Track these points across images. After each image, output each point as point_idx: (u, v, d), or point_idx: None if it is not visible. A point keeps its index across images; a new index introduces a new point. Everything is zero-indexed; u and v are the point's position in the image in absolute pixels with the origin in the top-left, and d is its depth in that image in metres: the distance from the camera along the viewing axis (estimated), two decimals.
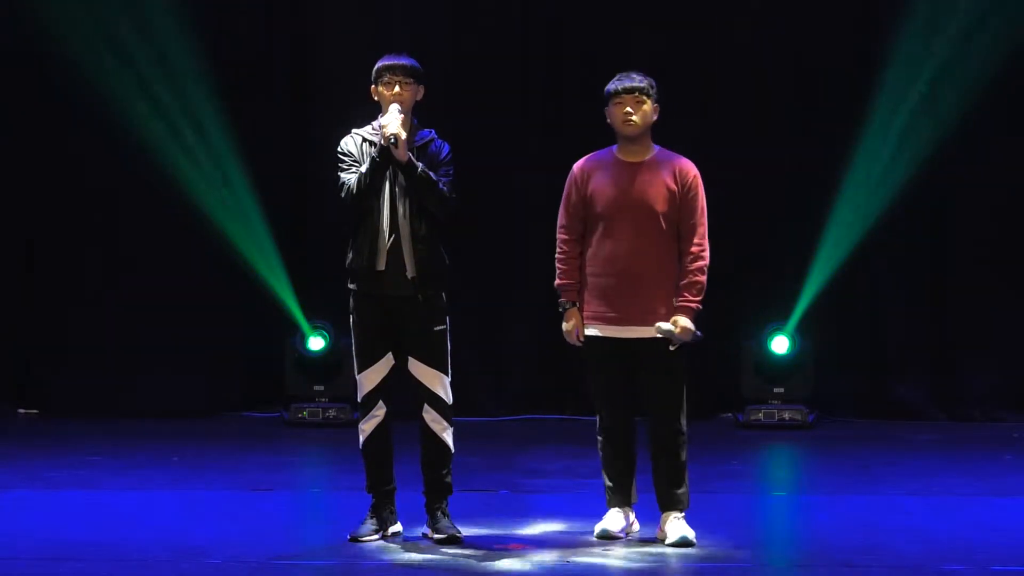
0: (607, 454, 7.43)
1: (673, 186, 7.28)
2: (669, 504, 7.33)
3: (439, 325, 7.31)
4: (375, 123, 7.36)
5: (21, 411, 11.90)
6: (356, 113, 7.62)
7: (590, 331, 7.34)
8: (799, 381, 11.35)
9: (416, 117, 7.39)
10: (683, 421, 7.31)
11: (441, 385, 7.32)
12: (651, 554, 7.12)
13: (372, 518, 7.39)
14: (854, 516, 8.09)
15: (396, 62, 7.31)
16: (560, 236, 7.41)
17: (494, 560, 7.03)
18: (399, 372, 7.36)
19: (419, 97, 7.37)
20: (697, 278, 7.25)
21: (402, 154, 7.17)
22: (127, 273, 11.82)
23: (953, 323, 11.68)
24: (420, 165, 7.21)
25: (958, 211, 11.64)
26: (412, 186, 7.20)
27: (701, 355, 10.61)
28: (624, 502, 7.44)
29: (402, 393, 7.37)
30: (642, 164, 7.33)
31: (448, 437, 7.35)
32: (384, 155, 7.19)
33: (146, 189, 11.58)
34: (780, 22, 11.65)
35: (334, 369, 11.39)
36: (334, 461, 10.13)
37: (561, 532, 7.58)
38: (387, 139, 7.15)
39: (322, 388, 11.45)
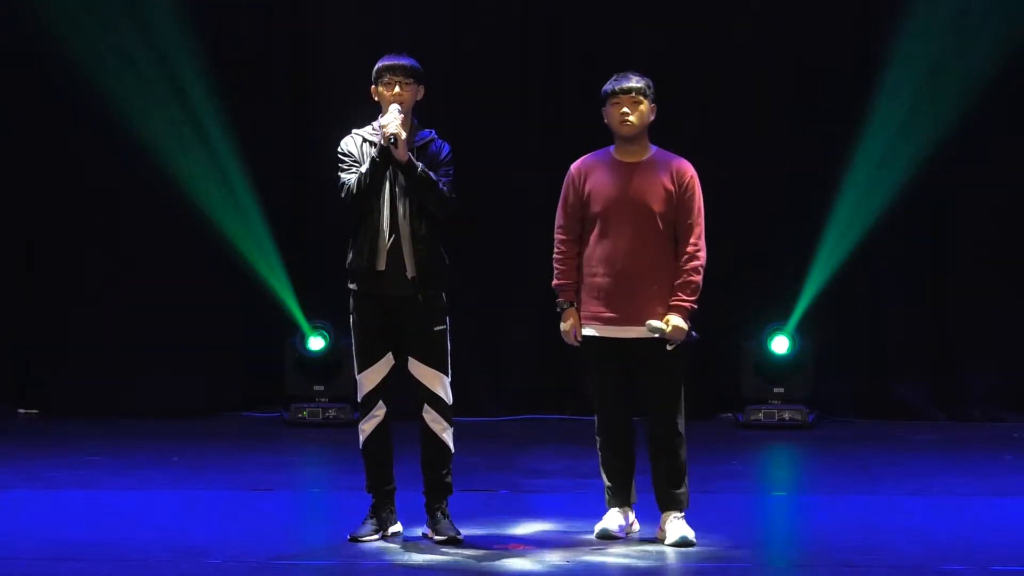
0: (606, 454, 7.43)
1: (670, 186, 7.28)
2: (669, 504, 7.33)
3: (439, 325, 7.31)
4: (375, 123, 7.36)
5: (21, 411, 11.91)
6: (356, 113, 7.62)
7: (587, 331, 7.34)
8: (799, 381, 11.36)
9: (416, 117, 7.39)
10: (681, 421, 7.31)
11: (441, 385, 7.32)
12: (651, 554, 7.13)
13: (372, 518, 7.39)
14: (854, 516, 8.09)
15: (396, 62, 7.31)
16: (558, 236, 7.41)
17: (494, 560, 7.03)
18: (399, 372, 7.36)
19: (419, 97, 7.37)
20: (692, 278, 7.25)
21: (402, 154, 7.17)
22: (127, 273, 11.82)
23: (953, 323, 11.68)
24: (420, 165, 7.21)
25: (958, 211, 11.64)
26: (412, 186, 7.21)
27: (701, 355, 10.67)
28: (624, 502, 7.44)
29: (402, 393, 7.36)
30: (639, 164, 7.33)
31: (448, 437, 7.35)
32: (384, 155, 7.19)
33: (146, 189, 11.59)
34: (780, 22, 11.66)
35: (334, 369, 11.39)
36: (334, 461, 10.13)
37: (561, 532, 7.58)
38: (387, 139, 7.15)
39: (322, 388, 11.45)
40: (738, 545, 7.33)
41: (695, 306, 7.26)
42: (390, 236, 7.22)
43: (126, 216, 11.81)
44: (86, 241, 11.83)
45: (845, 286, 11.46)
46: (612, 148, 7.40)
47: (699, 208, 7.31)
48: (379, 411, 7.35)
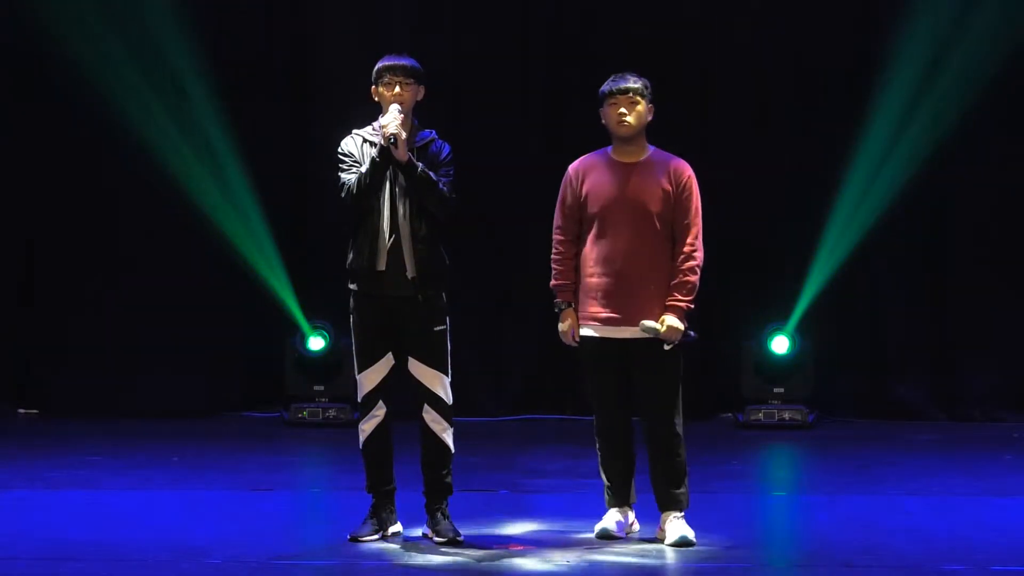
0: (605, 454, 7.44)
1: (668, 186, 7.28)
2: (668, 504, 7.33)
3: (439, 325, 7.31)
4: (375, 124, 7.35)
5: (21, 411, 11.91)
6: (356, 113, 7.62)
7: (585, 331, 7.34)
8: (799, 381, 11.36)
9: (416, 117, 7.39)
10: (679, 421, 7.31)
11: (441, 385, 7.32)
12: (651, 554, 7.12)
13: (372, 518, 7.39)
14: (854, 516, 8.09)
15: (396, 62, 7.31)
16: (556, 237, 7.41)
17: (494, 560, 7.03)
18: (399, 372, 7.36)
19: (419, 97, 7.37)
20: (688, 278, 7.25)
21: (402, 154, 7.17)
22: (127, 273, 11.83)
23: (953, 323, 11.68)
24: (420, 165, 7.21)
25: (958, 211, 11.65)
26: (412, 186, 7.20)
27: (701, 355, 10.68)
28: (623, 502, 7.44)
29: (402, 393, 7.36)
30: (637, 164, 7.33)
31: (448, 437, 7.35)
32: (384, 155, 7.19)
33: (146, 189, 11.59)
34: (780, 22, 11.66)
35: (334, 369, 11.39)
36: (334, 461, 10.13)
37: (561, 532, 7.57)
38: (387, 139, 7.15)
39: (322, 388, 11.45)
40: (738, 545, 7.33)
41: (692, 306, 7.25)
42: (390, 236, 7.22)
43: (126, 216, 11.82)
44: (86, 241, 11.84)
45: (845, 286, 11.46)
46: (610, 148, 7.40)
47: (696, 208, 7.31)
48: (379, 411, 7.35)
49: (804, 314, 11.34)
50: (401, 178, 7.23)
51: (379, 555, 7.11)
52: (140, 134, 11.45)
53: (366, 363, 7.32)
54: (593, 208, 7.29)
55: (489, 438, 10.75)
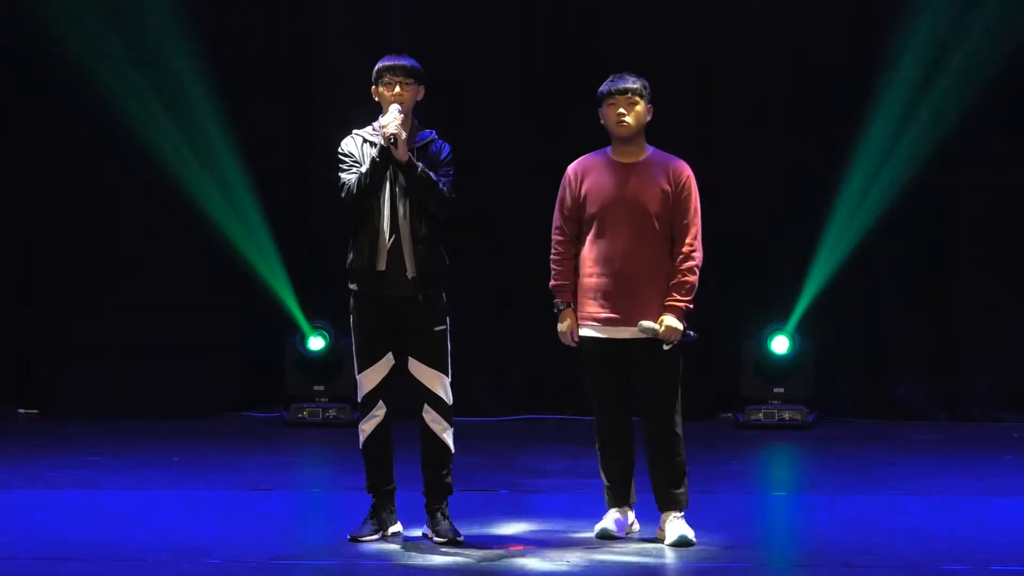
0: (605, 454, 7.43)
1: (667, 187, 7.27)
2: (668, 504, 7.33)
3: (439, 325, 7.31)
4: (375, 124, 7.35)
5: (21, 411, 11.91)
6: (356, 113, 7.62)
7: (584, 332, 7.34)
8: (799, 381, 11.36)
9: (416, 117, 7.39)
10: (678, 421, 7.31)
11: (441, 385, 7.32)
12: (651, 554, 7.12)
13: (372, 518, 7.39)
14: (854, 516, 8.09)
15: (396, 63, 7.31)
16: (555, 237, 7.41)
17: (494, 560, 7.03)
18: (399, 372, 7.36)
19: (420, 97, 7.37)
20: (687, 278, 7.25)
21: (402, 154, 7.17)
22: (127, 273, 11.83)
23: (953, 323, 11.68)
24: (420, 165, 7.20)
25: (958, 211, 11.64)
26: (412, 186, 7.20)
27: (701, 355, 10.68)
28: (623, 502, 7.44)
29: (402, 393, 7.36)
30: (636, 165, 7.33)
31: (448, 437, 7.35)
32: (384, 155, 7.19)
33: (146, 189, 11.59)
34: (780, 22, 11.66)
35: (334, 369, 11.39)
36: (334, 461, 10.13)
37: (561, 532, 7.57)
38: (387, 139, 7.15)
39: (322, 388, 11.45)
40: (738, 545, 7.33)
41: (691, 306, 7.25)
42: (390, 236, 7.22)
43: (126, 216, 11.82)
44: (86, 241, 11.84)
45: (845, 286, 11.46)
46: (609, 149, 7.40)
47: (695, 208, 7.31)
48: (379, 411, 7.35)
49: (804, 314, 11.34)
50: (401, 178, 7.23)
51: (379, 555, 7.11)
52: (140, 134, 11.45)
53: (366, 363, 7.32)
54: (592, 208, 7.29)
55: (489, 438, 10.75)
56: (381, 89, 7.31)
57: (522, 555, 7.12)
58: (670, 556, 7.10)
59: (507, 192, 11.61)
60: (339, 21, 11.78)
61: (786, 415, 11.23)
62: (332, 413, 11.35)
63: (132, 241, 11.82)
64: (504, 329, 11.83)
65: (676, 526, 7.26)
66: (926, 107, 11.23)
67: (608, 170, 7.32)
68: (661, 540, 7.29)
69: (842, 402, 11.65)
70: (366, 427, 7.38)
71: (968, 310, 11.63)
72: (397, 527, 7.43)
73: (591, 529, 7.44)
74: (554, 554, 7.10)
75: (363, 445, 7.41)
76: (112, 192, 11.76)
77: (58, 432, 11.08)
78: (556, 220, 7.42)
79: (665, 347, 7.22)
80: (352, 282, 7.34)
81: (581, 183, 7.34)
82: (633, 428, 7.41)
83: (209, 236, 11.48)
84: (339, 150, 7.38)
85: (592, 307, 7.30)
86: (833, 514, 8.20)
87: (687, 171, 7.33)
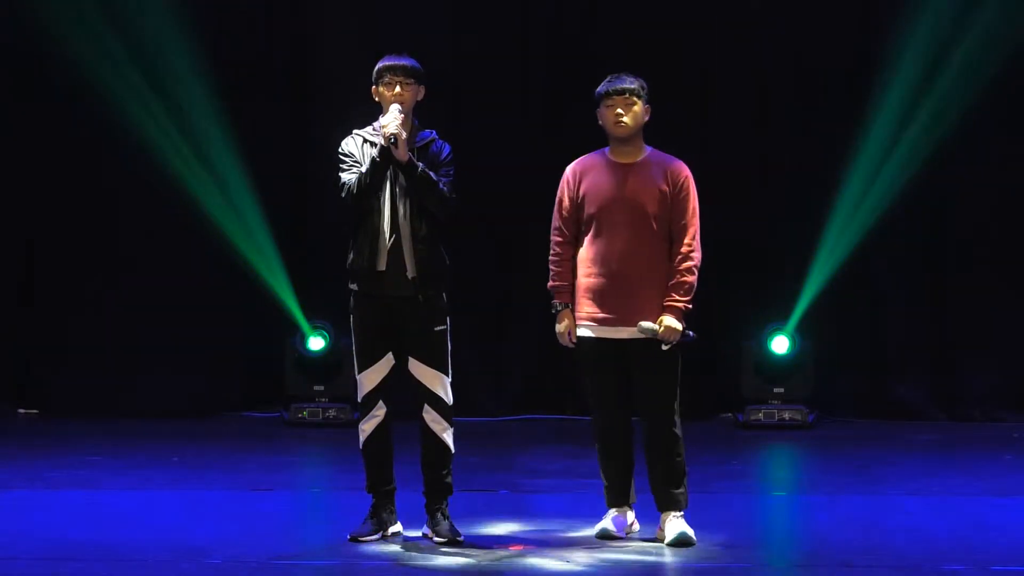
0: (604, 455, 7.43)
1: (665, 187, 7.27)
2: (668, 504, 7.33)
3: (439, 325, 7.31)
4: (376, 124, 7.35)
5: (21, 411, 11.91)
6: (356, 113, 7.63)
7: (582, 332, 7.34)
8: (799, 381, 11.35)
9: (417, 118, 7.39)
10: (677, 421, 7.31)
11: (441, 385, 7.32)
12: (651, 554, 7.12)
13: (372, 518, 7.39)
14: (854, 516, 8.09)
15: (397, 63, 7.31)
16: (554, 238, 7.41)
17: (494, 560, 7.03)
18: (399, 372, 7.36)
19: (420, 97, 7.37)
20: (686, 278, 7.25)
21: (402, 154, 7.17)
22: (127, 273, 11.83)
23: (953, 323, 11.68)
24: (420, 165, 7.20)
25: (958, 211, 11.64)
26: (412, 186, 7.20)
27: (701, 355, 10.68)
28: (623, 502, 7.44)
29: (402, 393, 7.36)
30: (634, 165, 7.33)
31: (448, 437, 7.35)
32: (384, 155, 7.19)
33: (146, 189, 11.59)
34: (780, 22, 11.66)
35: (334, 369, 11.39)
36: (334, 461, 10.13)
37: (561, 532, 7.57)
38: (387, 139, 7.15)
39: (322, 388, 11.45)
40: (738, 545, 7.33)
41: (689, 306, 7.25)
42: (391, 236, 7.22)
43: (126, 216, 11.82)
44: (86, 241, 11.83)
45: (845, 286, 11.46)
46: (607, 149, 7.40)
47: (694, 208, 7.31)
48: (379, 411, 7.35)
49: (804, 314, 11.34)
50: (401, 178, 7.23)
51: (379, 555, 7.11)
52: (140, 134, 11.45)
53: (366, 363, 7.32)
54: (590, 209, 7.30)
55: (489, 438, 10.75)
56: (381, 89, 7.31)
57: (522, 555, 7.12)
58: (670, 556, 7.10)
59: (507, 192, 11.61)
60: (339, 21, 11.78)
61: (786, 415, 11.23)
62: (332, 413, 11.35)
63: (132, 241, 11.82)
64: (504, 329, 11.83)
65: (676, 525, 7.26)
66: (926, 107, 11.23)
67: (606, 170, 7.32)
68: (661, 540, 7.29)
69: (842, 402, 11.65)
70: (366, 427, 7.38)
71: (968, 310, 11.63)
72: (397, 527, 7.43)
73: (591, 529, 7.44)
74: (554, 554, 7.10)
75: (363, 445, 7.41)
76: (112, 192, 11.76)
77: (58, 432, 11.08)
78: (555, 221, 7.42)
79: (664, 347, 7.22)
80: (352, 282, 7.34)
81: (579, 184, 7.34)
82: (632, 428, 7.41)
83: (209, 236, 11.48)
84: (339, 150, 7.38)
85: (590, 307, 7.30)
86: (833, 514, 8.20)
87: (685, 171, 7.33)
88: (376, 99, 7.35)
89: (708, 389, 11.50)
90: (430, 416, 7.32)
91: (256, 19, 11.94)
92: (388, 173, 7.23)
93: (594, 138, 7.56)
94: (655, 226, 7.25)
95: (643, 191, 7.26)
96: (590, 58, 11.36)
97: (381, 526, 7.38)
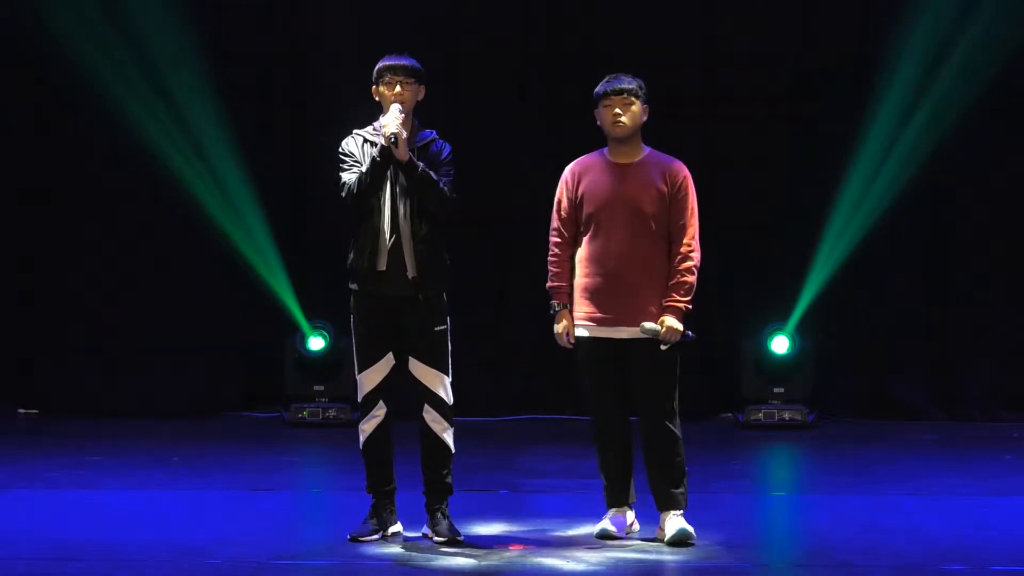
0: (604, 455, 7.43)
1: (663, 187, 7.28)
2: (668, 504, 7.33)
3: (439, 325, 7.32)
4: (376, 123, 7.35)
5: (21, 411, 11.90)
6: (356, 113, 7.63)
7: (580, 332, 7.34)
8: (799, 381, 11.35)
9: (417, 118, 7.39)
10: (676, 421, 7.31)
11: (441, 385, 7.32)
12: (651, 554, 7.12)
13: (372, 518, 7.39)
14: (854, 516, 8.09)
15: (397, 62, 7.31)
16: (552, 239, 7.42)
17: (494, 560, 7.03)
18: (400, 372, 7.36)
19: (420, 97, 7.37)
20: (685, 278, 7.25)
21: (402, 153, 7.17)
22: (127, 273, 11.82)
23: (953, 323, 11.68)
24: (421, 165, 7.21)
25: (958, 211, 11.64)
26: (413, 186, 7.21)
27: (701, 355, 10.68)
28: (623, 502, 7.44)
29: (402, 393, 7.36)
30: (632, 165, 7.33)
31: (448, 437, 7.35)
32: (385, 155, 7.19)
33: (146, 190, 11.59)
34: (780, 22, 11.65)
35: (334, 369, 11.38)
36: (334, 461, 10.13)
37: (561, 532, 7.57)
38: (388, 138, 7.15)
39: (322, 388, 11.45)
40: (738, 545, 7.33)
41: (690, 306, 7.25)
42: (391, 236, 7.22)
43: (126, 216, 11.81)
44: (86, 241, 11.83)
45: (845, 286, 11.46)
46: (606, 149, 7.41)
47: (692, 208, 7.31)
48: (379, 411, 7.35)
49: (804, 314, 11.34)
50: (402, 178, 7.23)
51: (379, 555, 7.11)
52: (140, 134, 11.45)
53: (366, 363, 7.32)
54: (589, 209, 7.30)
55: (489, 438, 10.75)
56: (382, 89, 7.31)
57: (522, 555, 7.12)
58: (670, 556, 7.10)
59: (507, 192, 11.61)
60: (339, 21, 11.77)
61: (786, 415, 11.23)
62: (332, 413, 11.35)
63: (132, 241, 11.81)
64: (504, 329, 11.83)
65: (675, 522, 7.26)
66: (926, 107, 11.23)
67: (604, 170, 7.33)
68: (661, 540, 7.29)
69: (842, 402, 11.64)
70: (366, 427, 7.38)
71: (968, 310, 11.63)
72: (397, 527, 7.43)
73: (591, 529, 7.44)
74: (554, 554, 7.10)
75: (363, 445, 7.40)
76: (112, 192, 11.76)
77: (58, 432, 11.08)
78: (554, 222, 7.43)
79: (662, 347, 7.22)
80: (352, 282, 7.34)
81: (578, 184, 7.35)
82: (631, 428, 7.41)
83: (209, 236, 11.48)
84: (340, 150, 7.38)
85: (587, 307, 7.30)
86: (833, 514, 8.20)
87: (684, 171, 7.33)
88: (376, 99, 7.35)
89: (708, 389, 11.50)
90: (430, 416, 7.32)
91: (256, 19, 11.93)
92: (388, 173, 7.23)
93: (594, 138, 7.56)
94: (653, 226, 7.25)
95: (641, 191, 7.26)
96: (590, 58, 11.35)
97: (381, 526, 7.38)
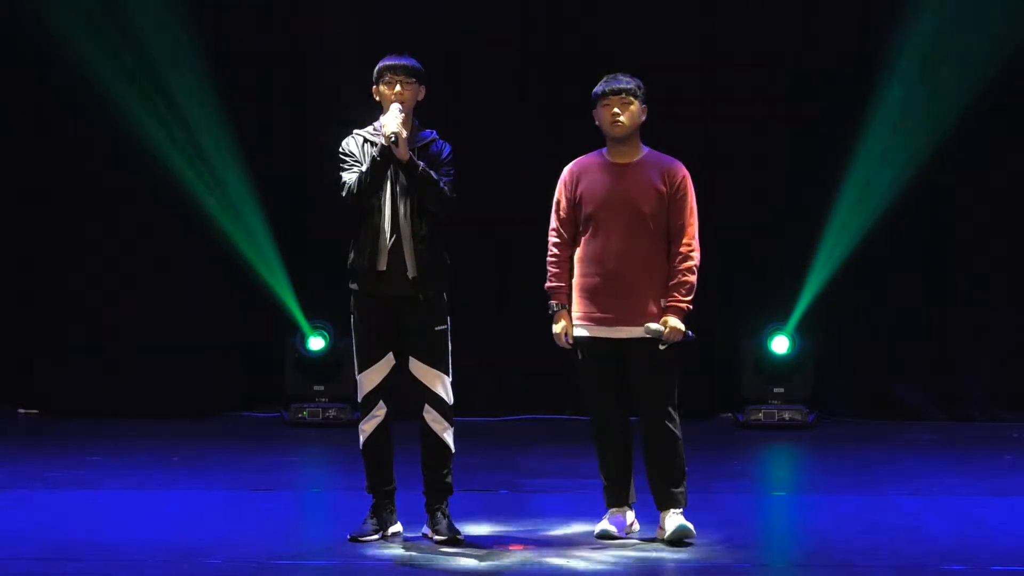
0: (603, 455, 7.43)
1: (662, 187, 7.28)
2: (668, 503, 7.33)
3: (440, 325, 7.32)
4: (376, 123, 7.35)
5: (21, 411, 11.90)
6: (356, 113, 7.63)
7: (579, 332, 7.34)
8: (799, 381, 11.35)
9: (417, 117, 7.39)
10: (676, 420, 7.31)
11: (442, 385, 7.32)
12: (651, 553, 7.12)
13: (372, 518, 7.39)
14: (854, 516, 8.09)
15: (397, 62, 7.32)
16: (551, 239, 7.42)
17: (494, 560, 7.03)
18: (400, 372, 7.36)
19: (420, 97, 7.37)
20: (686, 278, 7.25)
21: (403, 153, 7.17)
22: (127, 273, 11.81)
23: (953, 323, 11.67)
24: (421, 164, 7.21)
25: (958, 211, 11.64)
26: (413, 186, 7.21)
27: (701, 355, 10.68)
28: (623, 502, 7.44)
29: (402, 393, 7.36)
30: (631, 165, 7.33)
31: (448, 437, 7.35)
32: (385, 154, 7.20)
33: (146, 189, 11.59)
34: (780, 22, 11.65)
35: (334, 369, 11.38)
36: (334, 461, 10.13)
37: (561, 532, 7.57)
38: (388, 138, 7.15)
39: (322, 388, 11.45)
40: (738, 545, 7.33)
41: (690, 306, 7.26)
42: (391, 236, 7.23)
43: (126, 216, 11.81)
44: (86, 241, 11.83)
45: (845, 286, 11.45)
46: (604, 150, 7.41)
47: (692, 208, 7.31)
48: (379, 411, 7.35)
49: (804, 314, 11.33)
50: (402, 177, 7.24)
51: (379, 555, 7.11)
52: (140, 134, 11.44)
53: (366, 363, 7.32)
54: (588, 209, 7.30)
55: (489, 438, 10.75)
56: (382, 88, 7.32)
57: (522, 555, 7.12)
58: (670, 555, 7.10)
59: (507, 192, 11.61)
60: (339, 21, 11.77)
61: (786, 415, 11.23)
62: (332, 413, 11.34)
63: (132, 241, 11.81)
64: (504, 329, 11.83)
65: (675, 519, 7.27)
66: (926, 107, 11.22)
67: (603, 171, 7.33)
68: (661, 539, 7.29)
69: (842, 402, 11.64)
70: (366, 427, 7.38)
71: (968, 310, 11.62)
72: (397, 527, 7.43)
73: (591, 529, 7.44)
74: (554, 554, 7.10)
75: (363, 445, 7.41)
76: (112, 192, 11.76)
77: (58, 432, 11.08)
78: (553, 222, 7.43)
79: (661, 347, 7.22)
80: (353, 282, 7.34)
81: (577, 184, 7.35)
82: (631, 427, 7.41)
83: (209, 236, 11.48)
84: (340, 150, 7.38)
85: (586, 307, 7.31)
86: (833, 514, 8.20)
87: (683, 171, 7.33)
88: (376, 99, 7.35)
89: (708, 389, 11.50)
90: (430, 416, 7.32)
91: (256, 19, 11.92)
92: (389, 173, 7.23)
93: (594, 138, 7.56)
94: (652, 226, 7.26)
95: (640, 191, 7.26)
96: (590, 58, 11.34)
97: (381, 526, 7.38)
